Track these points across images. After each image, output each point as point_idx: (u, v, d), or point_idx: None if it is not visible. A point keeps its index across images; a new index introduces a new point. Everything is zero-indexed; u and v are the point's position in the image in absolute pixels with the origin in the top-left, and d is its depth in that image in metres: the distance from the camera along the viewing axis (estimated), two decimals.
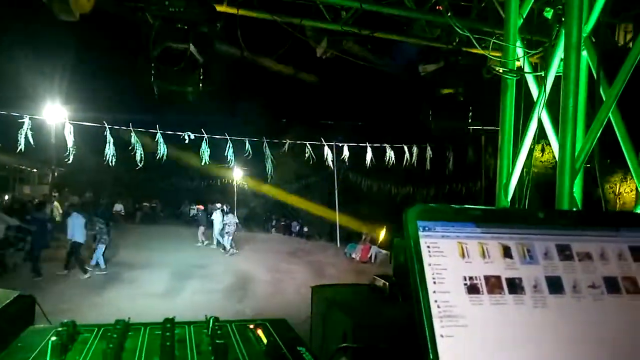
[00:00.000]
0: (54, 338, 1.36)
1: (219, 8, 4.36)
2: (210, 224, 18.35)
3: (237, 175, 31.98)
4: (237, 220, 18.18)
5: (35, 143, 10.13)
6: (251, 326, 1.70)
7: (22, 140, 9.76)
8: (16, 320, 3.42)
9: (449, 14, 3.97)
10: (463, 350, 0.87)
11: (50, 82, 15.93)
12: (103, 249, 11.95)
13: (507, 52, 3.31)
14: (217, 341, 1.37)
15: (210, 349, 1.47)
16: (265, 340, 1.51)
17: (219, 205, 18.86)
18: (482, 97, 5.10)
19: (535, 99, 3.25)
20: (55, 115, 12.87)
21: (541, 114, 3.10)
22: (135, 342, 1.54)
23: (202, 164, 11.27)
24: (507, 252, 1.01)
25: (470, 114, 5.09)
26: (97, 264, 11.94)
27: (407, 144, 13.96)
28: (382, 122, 20.10)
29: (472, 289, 0.93)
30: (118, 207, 25.37)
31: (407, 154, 13.92)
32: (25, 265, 11.19)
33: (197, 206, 20.59)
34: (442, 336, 0.86)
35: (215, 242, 18.15)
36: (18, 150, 10.00)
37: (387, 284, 3.73)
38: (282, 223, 29.27)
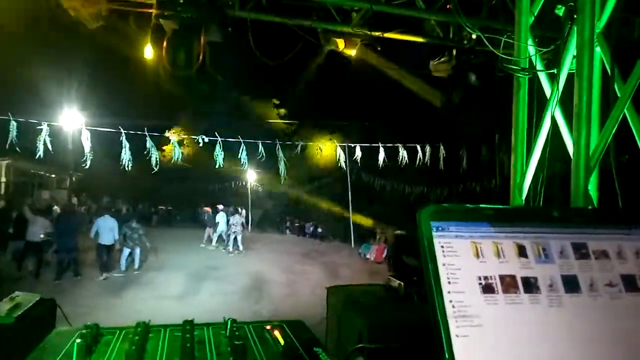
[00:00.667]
0: (78, 340, 1.40)
1: (230, 13, 4.40)
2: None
3: (251, 177, 32.17)
4: (244, 221, 18.58)
5: (53, 149, 10.34)
6: (268, 327, 1.73)
7: (40, 147, 9.97)
8: (38, 322, 3.50)
9: (459, 13, 3.95)
10: (478, 350, 0.87)
11: (67, 90, 16.25)
12: (137, 252, 12.63)
13: (518, 50, 3.29)
14: (236, 342, 1.40)
15: (229, 350, 1.49)
16: (282, 341, 1.53)
17: (221, 206, 19.08)
18: (496, 95, 5.07)
19: (548, 97, 3.22)
20: (72, 121, 13.14)
21: (554, 112, 3.08)
22: (156, 343, 1.58)
23: (217, 166, 11.36)
24: (522, 251, 1.01)
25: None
26: (128, 266, 12.53)
27: (419, 144, 13.88)
28: (395, 121, 20.02)
29: (487, 289, 0.94)
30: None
31: (420, 153, 13.85)
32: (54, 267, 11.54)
33: (205, 208, 20.77)
34: (457, 336, 0.87)
35: (225, 243, 18.44)
36: (37, 157, 10.20)
37: (402, 284, 3.73)
38: (296, 224, 29.35)
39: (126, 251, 12.45)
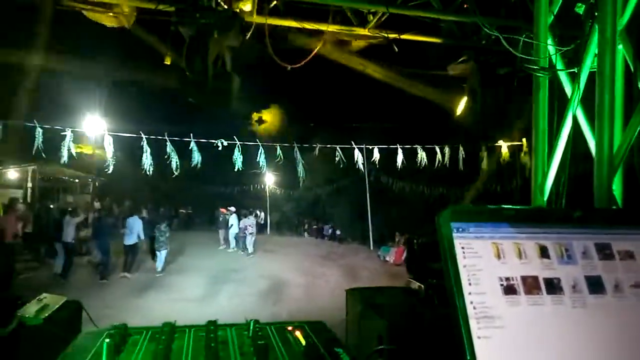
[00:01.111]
0: (107, 340, 1.45)
1: (248, 18, 4.46)
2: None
3: (269, 180, 32.36)
4: (253, 223, 19.04)
5: (76, 154, 10.59)
6: (290, 328, 1.75)
7: (65, 152, 10.22)
8: (65, 323, 3.59)
9: (476, 13, 3.92)
10: (501, 351, 0.87)
11: (90, 96, 16.62)
12: (163, 254, 13.19)
13: (537, 49, 3.24)
14: (259, 342, 1.42)
15: (252, 350, 1.52)
16: (304, 342, 1.55)
17: (233, 208, 19.60)
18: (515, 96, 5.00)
19: (569, 96, 3.16)
20: (94, 127, 13.44)
21: (576, 111, 3.02)
22: (182, 343, 1.62)
23: (235, 170, 11.47)
24: (544, 252, 1.01)
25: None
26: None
27: (438, 145, 13.76)
28: (413, 123, 19.88)
29: (509, 290, 0.93)
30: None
31: (439, 155, 13.72)
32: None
33: (221, 210, 21.16)
34: (479, 337, 0.87)
35: (238, 245, 18.98)
36: (62, 162, 10.45)
37: (422, 286, 3.71)
38: (314, 226, 29.37)
39: (161, 253, 13.13)
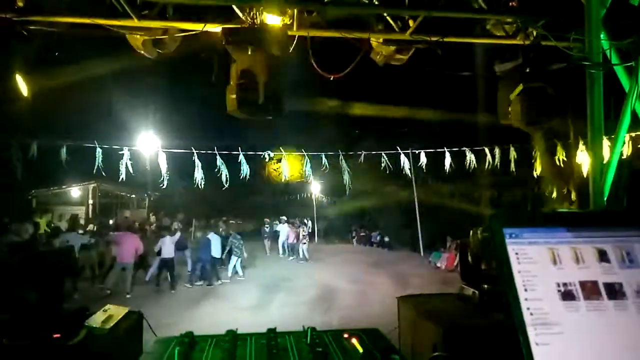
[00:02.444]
0: (178, 347, 1.55)
1: (290, 32, 4.56)
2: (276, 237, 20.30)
3: (316, 189, 32.59)
4: (307, 231, 20.18)
5: (133, 171, 11.20)
6: (346, 335, 1.78)
7: (123, 170, 10.83)
8: (128, 332, 3.79)
9: (522, 11, 3.81)
10: (560, 358, 0.85)
11: (144, 116, 17.52)
12: (238, 260, 14.23)
13: (590, 44, 3.11)
14: (317, 349, 1.47)
15: (311, 357, 1.56)
16: (360, 349, 1.57)
17: (284, 218, 20.62)
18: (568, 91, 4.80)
19: (627, 91, 3.01)
20: (149, 144, 14.15)
21: (634, 106, 2.87)
22: (244, 350, 1.68)
23: (282, 180, 11.69)
24: (603, 256, 0.98)
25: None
26: (236, 272, 14.21)
27: (488, 146, 13.38)
28: (460, 125, 19.44)
29: (567, 296, 0.91)
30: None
31: (489, 156, 13.34)
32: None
33: (266, 219, 21.76)
34: (537, 344, 0.86)
35: (286, 253, 19.73)
36: (120, 179, 11.08)
37: (477, 292, 3.61)
38: (362, 234, 29.21)
39: (233, 259, 14.15)
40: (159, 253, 12.78)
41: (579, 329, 0.89)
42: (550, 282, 0.91)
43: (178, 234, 13.49)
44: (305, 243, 19.18)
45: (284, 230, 19.95)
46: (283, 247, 20.04)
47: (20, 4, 4.17)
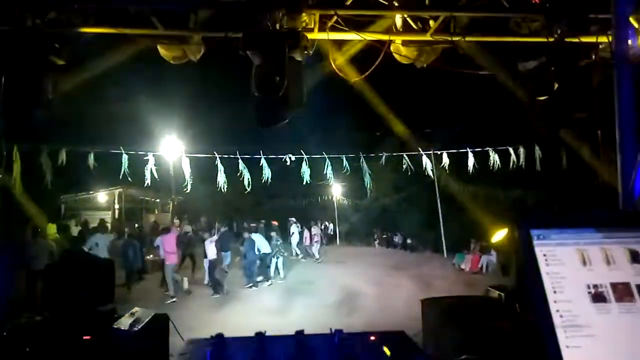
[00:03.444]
0: (210, 348, 1.60)
1: (310, 35, 4.59)
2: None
3: (337, 191, 32.58)
4: (319, 232, 20.89)
5: (157, 176, 11.43)
6: (372, 338, 1.79)
7: (148, 175, 11.06)
8: (154, 334, 3.87)
9: (546, 8, 3.74)
10: None
11: (168, 121, 17.86)
12: (279, 260, 14.81)
13: (617, 39, 3.04)
14: (345, 351, 1.49)
15: (339, 358, 1.59)
16: (388, 351, 1.58)
17: (293, 219, 20.85)
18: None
19: None
20: (172, 150, 14.41)
21: None
22: (273, 351, 1.71)
23: (304, 183, 11.73)
24: (635, 257, 0.95)
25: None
26: (278, 273, 14.79)
27: (512, 146, 13.13)
28: (482, 125, 19.16)
29: (598, 298, 0.89)
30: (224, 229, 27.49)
31: (513, 156, 13.10)
32: None
33: (274, 222, 21.94)
34: (567, 347, 0.84)
35: (299, 253, 20.16)
36: (145, 184, 11.31)
37: (503, 295, 3.56)
38: (384, 236, 29.05)
39: (274, 260, 14.67)
40: (204, 256, 13.11)
41: (612, 332, 0.87)
42: (580, 284, 0.90)
43: (215, 236, 13.65)
44: (317, 242, 19.83)
45: (297, 230, 20.37)
46: (297, 247, 20.47)
47: (52, 15, 4.32)
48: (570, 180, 18.18)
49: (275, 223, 19.21)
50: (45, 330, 3.44)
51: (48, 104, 4.37)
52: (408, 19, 4.97)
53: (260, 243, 13.89)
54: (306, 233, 20.32)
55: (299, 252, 20.47)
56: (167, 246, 11.88)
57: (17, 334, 3.37)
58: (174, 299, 11.42)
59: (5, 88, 4.11)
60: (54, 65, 4.40)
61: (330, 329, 1.84)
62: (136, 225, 26.41)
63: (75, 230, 19.13)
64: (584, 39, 4.55)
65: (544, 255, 0.92)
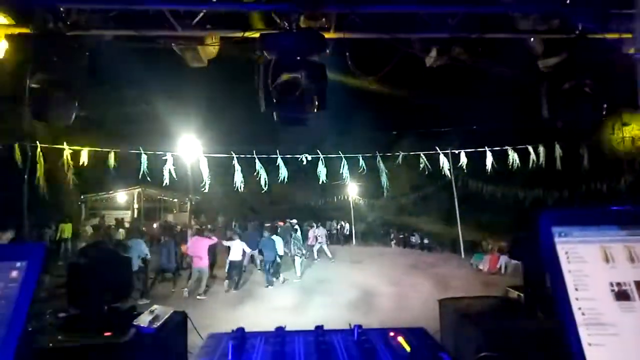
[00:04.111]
0: (232, 342, 1.63)
1: (327, 35, 4.59)
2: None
3: (353, 191, 32.55)
4: (323, 233, 20.78)
5: (176, 176, 11.57)
6: (392, 334, 1.80)
7: (166, 174, 11.20)
8: (173, 331, 3.92)
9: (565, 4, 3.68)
10: None
11: (185, 122, 18.06)
12: (300, 260, 15.13)
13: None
14: (365, 346, 1.50)
15: (359, 353, 1.60)
16: (407, 347, 1.59)
17: (294, 220, 20.63)
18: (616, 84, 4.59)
19: None
20: (190, 150, 14.57)
21: None
22: (293, 346, 1.74)
23: (319, 183, 11.74)
24: None
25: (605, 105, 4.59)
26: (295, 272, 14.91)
27: (531, 144, 12.93)
28: (501, 123, 18.93)
29: (621, 296, 0.88)
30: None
31: (532, 155, 12.89)
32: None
33: (279, 223, 22.03)
34: (590, 345, 0.83)
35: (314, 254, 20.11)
36: (164, 184, 11.46)
37: (522, 295, 3.52)
38: (401, 236, 28.91)
39: (297, 260, 15.08)
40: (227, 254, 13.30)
41: (636, 330, 0.86)
42: (603, 282, 0.89)
43: (237, 236, 13.90)
44: (320, 243, 19.98)
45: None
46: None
47: (74, 18, 4.41)
48: (592, 179, 17.84)
49: (293, 222, 19.41)
50: (67, 326, 3.52)
51: (72, 106, 4.47)
52: (425, 17, 4.93)
53: (279, 243, 14.06)
54: (310, 233, 20.32)
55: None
56: (197, 249, 12.16)
57: (41, 330, 3.46)
58: (203, 297, 11.74)
59: (30, 91, 4.22)
60: (76, 67, 4.49)
61: (350, 324, 1.85)
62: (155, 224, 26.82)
63: (88, 231, 19.64)
64: (607, 35, 4.46)
65: (566, 252, 0.91)
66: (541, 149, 12.93)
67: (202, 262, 12.06)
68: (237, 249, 13.09)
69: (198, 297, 11.72)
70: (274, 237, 14.12)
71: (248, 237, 14.58)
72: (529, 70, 5.18)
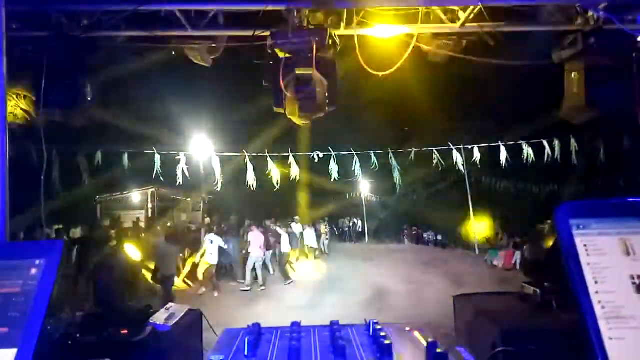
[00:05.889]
0: (248, 337, 1.65)
1: (338, 32, 4.59)
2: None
3: (365, 188, 32.46)
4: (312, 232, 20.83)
5: (189, 175, 11.69)
6: (407, 329, 1.81)
7: (179, 174, 11.31)
8: (188, 329, 3.96)
9: None
10: (637, 354, 0.81)
11: (197, 121, 18.16)
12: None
13: None
14: (381, 341, 1.51)
15: (375, 348, 1.61)
16: (424, 342, 1.59)
17: (297, 218, 21.08)
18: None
19: None
20: (203, 149, 14.67)
21: None
22: (309, 341, 1.77)
23: (331, 180, 11.75)
24: None
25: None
26: None
27: (546, 138, 12.75)
28: (515, 118, 18.70)
29: None
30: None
31: (547, 149, 12.72)
32: None
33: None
34: (610, 339, 0.82)
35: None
36: (177, 184, 11.59)
37: (539, 291, 3.48)
38: (414, 232, 28.78)
39: None
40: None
41: None
42: (623, 274, 0.87)
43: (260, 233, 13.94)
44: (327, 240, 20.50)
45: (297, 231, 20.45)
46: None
47: (86, 21, 4.47)
48: (608, 173, 17.55)
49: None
50: (85, 324, 3.58)
51: (86, 107, 4.53)
52: (438, 10, 4.90)
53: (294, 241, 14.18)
54: (309, 231, 20.29)
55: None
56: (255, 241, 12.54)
57: (59, 328, 3.51)
58: (248, 288, 12.15)
59: (45, 92, 4.28)
60: (90, 69, 4.56)
61: (365, 319, 1.86)
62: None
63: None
64: (623, 26, 4.37)
65: (585, 245, 0.90)
66: (556, 143, 12.76)
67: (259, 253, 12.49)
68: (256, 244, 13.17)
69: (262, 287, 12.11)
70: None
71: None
72: (544, 62, 5.11)
